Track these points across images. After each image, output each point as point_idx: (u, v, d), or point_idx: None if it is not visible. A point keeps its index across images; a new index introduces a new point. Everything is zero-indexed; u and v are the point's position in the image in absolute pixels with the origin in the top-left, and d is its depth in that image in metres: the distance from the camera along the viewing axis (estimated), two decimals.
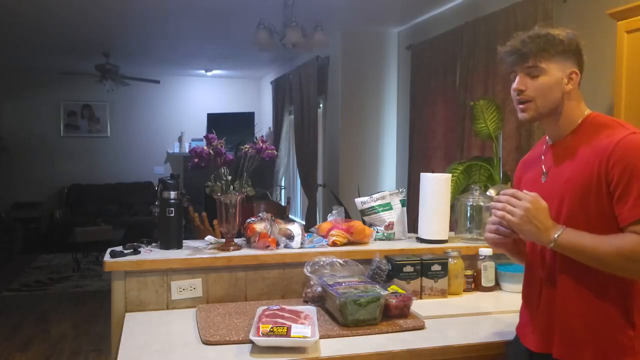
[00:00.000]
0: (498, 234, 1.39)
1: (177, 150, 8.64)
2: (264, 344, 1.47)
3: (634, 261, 1.22)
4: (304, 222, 5.82)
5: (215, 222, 2.81)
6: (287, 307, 1.67)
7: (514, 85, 1.37)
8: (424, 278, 1.99)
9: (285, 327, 1.50)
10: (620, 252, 1.22)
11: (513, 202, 1.31)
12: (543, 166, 1.43)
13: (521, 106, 1.38)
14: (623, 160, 1.24)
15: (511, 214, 1.30)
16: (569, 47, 1.35)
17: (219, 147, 1.98)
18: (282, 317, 1.57)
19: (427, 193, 2.24)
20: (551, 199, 1.33)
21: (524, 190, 1.33)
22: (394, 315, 1.73)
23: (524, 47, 1.34)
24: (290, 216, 5.19)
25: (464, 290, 2.09)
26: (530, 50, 1.33)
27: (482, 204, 2.22)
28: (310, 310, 1.70)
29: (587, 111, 1.39)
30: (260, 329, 1.49)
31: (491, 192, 1.90)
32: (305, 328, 1.51)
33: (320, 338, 1.52)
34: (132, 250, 1.96)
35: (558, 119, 1.38)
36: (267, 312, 1.62)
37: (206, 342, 1.55)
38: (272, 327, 1.50)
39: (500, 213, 1.33)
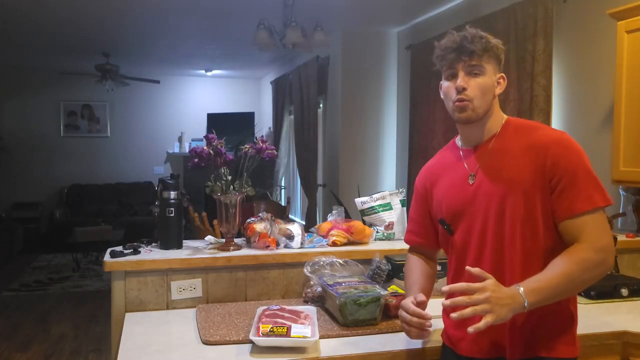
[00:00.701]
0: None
1: (177, 150, 8.64)
2: (264, 344, 1.47)
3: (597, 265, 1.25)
4: (304, 222, 5.82)
5: (215, 222, 2.81)
6: (287, 307, 1.67)
7: (458, 82, 1.34)
8: None
9: (285, 327, 1.50)
10: (582, 260, 1.24)
11: (476, 300, 1.17)
12: (469, 170, 1.40)
13: (459, 104, 1.35)
14: (566, 156, 1.27)
15: (485, 313, 1.16)
16: (500, 53, 1.37)
17: (219, 147, 1.98)
18: (282, 317, 1.57)
19: None
20: (489, 199, 1.34)
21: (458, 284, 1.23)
22: (394, 315, 1.72)
23: (470, 45, 1.32)
24: (290, 216, 5.18)
25: None
26: (477, 48, 1.32)
27: None
28: (310, 310, 1.70)
29: (505, 115, 1.42)
30: (260, 329, 1.49)
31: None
32: (305, 328, 1.51)
33: (320, 338, 1.52)
34: (132, 250, 1.96)
35: (486, 122, 1.39)
36: (267, 312, 1.62)
37: (206, 342, 1.55)
38: (272, 327, 1.50)
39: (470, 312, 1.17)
